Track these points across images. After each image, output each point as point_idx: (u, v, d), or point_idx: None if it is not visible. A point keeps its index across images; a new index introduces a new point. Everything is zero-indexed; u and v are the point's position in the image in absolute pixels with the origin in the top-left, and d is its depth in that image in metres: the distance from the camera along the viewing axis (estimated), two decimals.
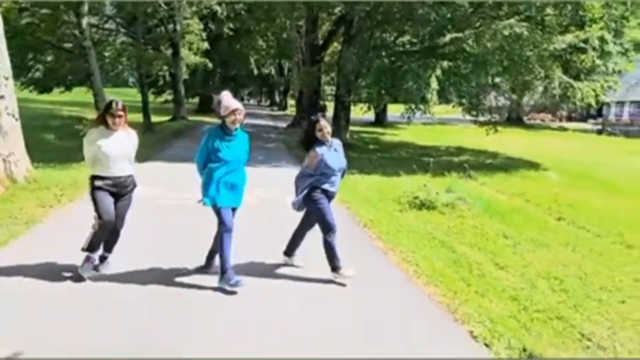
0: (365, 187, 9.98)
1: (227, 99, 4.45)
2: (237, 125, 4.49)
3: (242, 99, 75.18)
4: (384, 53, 15.05)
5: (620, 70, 16.42)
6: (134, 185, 4.66)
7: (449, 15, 14.40)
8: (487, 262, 5.55)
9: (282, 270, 4.94)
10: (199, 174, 4.55)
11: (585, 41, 13.00)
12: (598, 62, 13.59)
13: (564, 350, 3.54)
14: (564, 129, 42.77)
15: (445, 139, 22.53)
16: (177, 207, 7.33)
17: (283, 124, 27.10)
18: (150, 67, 21.25)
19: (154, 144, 14.77)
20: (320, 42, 22.56)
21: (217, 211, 4.42)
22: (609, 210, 9.48)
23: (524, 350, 3.45)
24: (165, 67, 26.80)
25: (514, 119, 45.70)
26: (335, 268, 4.65)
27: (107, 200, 4.37)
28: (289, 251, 5.05)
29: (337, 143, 4.89)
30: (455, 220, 7.48)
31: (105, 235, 4.47)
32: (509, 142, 20.81)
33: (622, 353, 3.59)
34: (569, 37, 13.09)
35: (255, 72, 39.77)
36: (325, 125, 4.70)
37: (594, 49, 13.18)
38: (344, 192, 8.58)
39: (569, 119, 53.41)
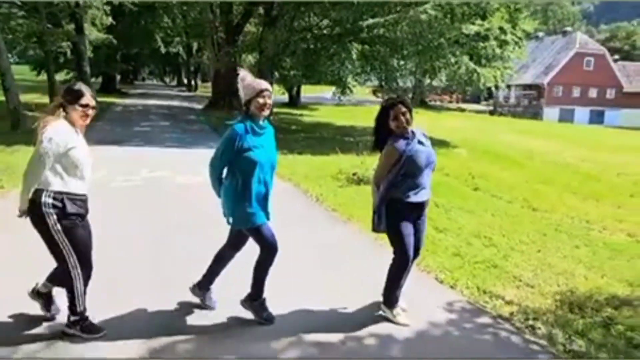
0: (301, 166, 10.60)
1: (251, 76, 3.52)
2: (266, 113, 3.51)
3: (143, 79, 71.46)
4: (308, 36, 15.55)
5: (519, 56, 18.43)
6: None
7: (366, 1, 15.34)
8: (429, 227, 6.48)
9: None
10: (214, 185, 3.59)
11: (488, 30, 14.53)
12: (497, 50, 15.19)
13: (504, 287, 4.47)
14: (462, 110, 46.50)
15: (360, 120, 23.73)
16: (129, 187, 7.53)
17: (198, 106, 26.72)
18: (52, 44, 19.84)
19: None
20: (236, 21, 22.56)
21: (257, 231, 3.46)
22: (513, 180, 11.01)
23: (478, 288, 4.35)
24: (66, 44, 25.07)
25: (418, 101, 48.72)
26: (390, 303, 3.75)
27: (85, 238, 3.21)
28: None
29: (420, 133, 3.73)
30: None
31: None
32: (417, 122, 22.43)
33: (544, 286, 4.59)
34: (474, 27, 14.55)
35: (163, 50, 38.23)
36: (402, 110, 3.55)
37: (495, 38, 14.79)
38: (285, 169, 9.28)
39: (464, 100, 57.94)
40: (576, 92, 47.75)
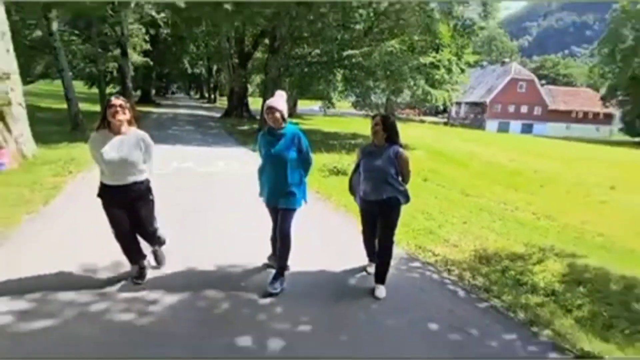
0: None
1: (274, 97, 3.48)
2: (272, 124, 3.41)
3: (172, 93, 70.90)
4: (303, 62, 15.88)
5: (464, 81, 18.86)
6: (147, 189, 3.45)
7: (347, 37, 15.69)
8: None
9: None
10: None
11: (439, 61, 14.99)
12: (446, 76, 15.64)
13: (435, 245, 4.94)
14: (423, 121, 46.75)
15: (343, 127, 24.02)
16: (164, 175, 7.87)
17: (216, 115, 26.78)
18: (103, 64, 19.96)
19: None
20: (247, 49, 22.79)
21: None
22: (455, 174, 11.45)
23: (415, 245, 4.82)
24: (113, 65, 25.09)
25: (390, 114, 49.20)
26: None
27: (111, 212, 3.28)
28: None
29: (392, 149, 3.55)
30: None
31: (127, 243, 3.41)
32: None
33: (464, 246, 5.06)
34: (429, 58, 14.99)
35: (189, 70, 38.24)
36: (372, 124, 3.62)
37: (444, 67, 15.26)
38: None
39: (425, 114, 58.37)
40: (511, 109, 48.36)
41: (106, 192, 3.28)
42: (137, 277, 3.47)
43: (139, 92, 34.84)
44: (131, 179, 3.28)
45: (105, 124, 3.18)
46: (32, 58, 15.34)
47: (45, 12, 12.30)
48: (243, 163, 9.60)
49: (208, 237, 4.66)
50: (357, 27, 15.10)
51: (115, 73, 25.93)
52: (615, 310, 3.55)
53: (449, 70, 15.40)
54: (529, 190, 10.21)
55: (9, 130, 7.46)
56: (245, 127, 19.04)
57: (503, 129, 46.48)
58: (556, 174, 12.89)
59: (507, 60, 57.61)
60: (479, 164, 14.60)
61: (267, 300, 3.36)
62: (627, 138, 43.04)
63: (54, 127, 11.58)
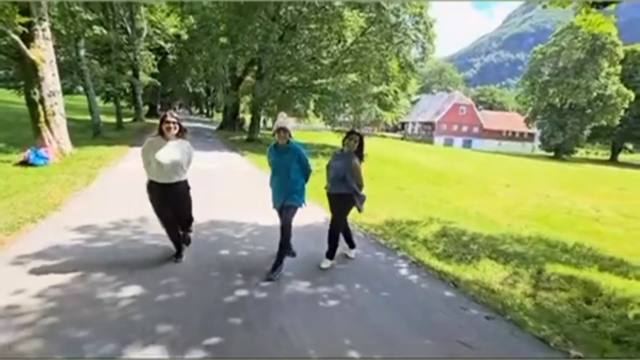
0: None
1: (279, 119, 3.66)
2: (280, 141, 3.53)
3: (174, 109, 70.37)
4: (282, 87, 17.05)
5: (407, 105, 20.40)
6: (187, 188, 3.63)
7: (318, 68, 16.99)
8: None
9: None
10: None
11: (388, 91, 16.46)
12: (393, 102, 17.09)
13: (365, 219, 6.20)
14: (384, 136, 48.53)
15: (315, 139, 25.26)
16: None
17: (213, 127, 27.61)
18: (119, 83, 20.62)
19: (131, 136, 15.23)
20: (239, 74, 23.82)
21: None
22: (396, 175, 12.75)
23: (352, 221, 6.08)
24: (126, 84, 25.65)
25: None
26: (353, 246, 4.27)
27: (158, 205, 3.48)
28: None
29: (346, 154, 3.85)
30: None
31: (171, 230, 3.64)
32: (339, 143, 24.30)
33: (381, 217, 6.35)
34: (380, 88, 16.44)
35: (190, 90, 38.83)
36: (343, 138, 3.88)
37: (391, 94, 16.73)
38: (264, 165, 10.76)
39: (387, 130, 60.39)
40: (454, 127, 51.01)
41: (154, 188, 3.43)
42: (176, 256, 3.72)
43: (146, 107, 35.22)
44: (175, 178, 3.45)
45: (160, 133, 3.38)
46: (61, 78, 15.78)
47: (75, 42, 13.12)
48: (233, 164, 10.75)
49: (213, 210, 5.77)
50: (325, 62, 16.40)
51: (127, 90, 26.42)
52: (457, 248, 4.93)
53: (396, 98, 16.84)
54: (447, 185, 11.65)
55: (52, 133, 8.35)
56: (236, 137, 20.06)
57: (448, 143, 49.07)
58: (470, 175, 14.48)
59: (451, 89, 60.71)
60: (417, 168, 16.03)
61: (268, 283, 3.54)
62: (543, 152, 46.17)
63: (79, 134, 12.33)
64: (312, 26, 15.57)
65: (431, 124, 51.11)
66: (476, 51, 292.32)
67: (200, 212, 4.82)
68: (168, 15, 20.17)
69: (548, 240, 5.76)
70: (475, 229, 5.96)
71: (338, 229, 3.90)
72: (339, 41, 16.14)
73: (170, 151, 3.38)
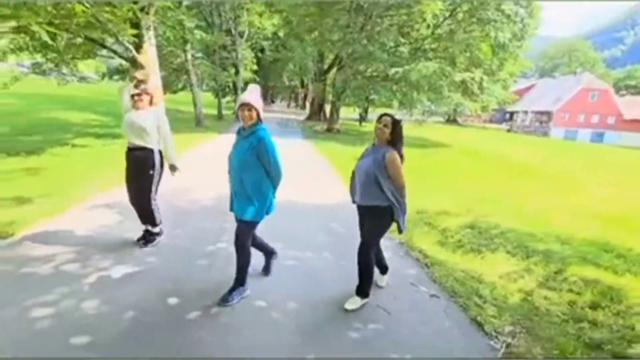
0: (342, 152, 12.15)
1: (245, 93, 2.62)
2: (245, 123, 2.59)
3: (272, 101, 75.51)
4: (359, 77, 17.25)
5: (500, 94, 18.28)
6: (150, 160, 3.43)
7: (396, 56, 16.59)
8: None
9: None
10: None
11: (473, 79, 15.07)
12: (477, 90, 15.51)
13: None
14: (485, 128, 44.20)
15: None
16: None
17: (301, 118, 29.49)
18: (222, 80, 23.62)
19: (226, 126, 17.65)
20: (325, 67, 24.79)
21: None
22: (465, 167, 11.52)
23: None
24: (228, 80, 29.20)
25: (452, 120, 47.40)
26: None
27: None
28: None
29: (380, 149, 2.71)
30: None
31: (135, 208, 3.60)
32: (430, 133, 23.21)
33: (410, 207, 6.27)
34: (465, 75, 15.16)
35: (287, 83, 41.87)
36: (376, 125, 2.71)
37: (476, 82, 15.20)
38: (326, 152, 11.37)
39: (491, 121, 54.61)
40: (580, 118, 43.19)
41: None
42: (138, 239, 3.75)
43: None
44: (138, 142, 3.46)
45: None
46: (176, 77, 19.10)
47: (183, 46, 15.72)
48: (300, 146, 11.71)
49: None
50: (403, 49, 15.94)
51: (231, 86, 30.01)
52: (476, 239, 4.68)
53: (480, 86, 15.32)
54: (528, 180, 10.15)
55: None
56: (318, 127, 21.17)
57: (570, 137, 41.78)
58: (567, 172, 12.43)
59: (578, 70, 51.17)
60: (499, 160, 13.93)
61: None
62: None
63: (182, 124, 14.96)
64: (392, 13, 15.30)
65: (548, 113, 44.18)
66: (628, 23, 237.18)
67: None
68: (260, 15, 22.10)
69: (607, 243, 4.94)
70: (514, 224, 5.46)
71: (368, 255, 2.76)
72: (427, 25, 15.41)
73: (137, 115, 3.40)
